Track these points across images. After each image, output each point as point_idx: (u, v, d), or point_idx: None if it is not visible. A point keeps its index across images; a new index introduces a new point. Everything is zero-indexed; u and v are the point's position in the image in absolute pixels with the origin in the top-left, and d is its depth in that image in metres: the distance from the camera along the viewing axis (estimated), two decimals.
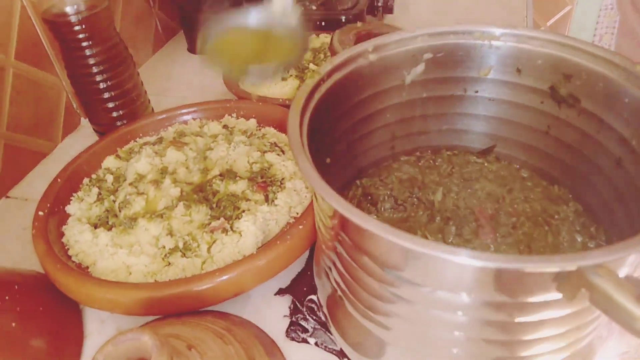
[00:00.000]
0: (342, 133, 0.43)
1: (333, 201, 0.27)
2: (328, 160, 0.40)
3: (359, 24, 0.48)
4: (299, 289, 0.47)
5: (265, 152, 0.55)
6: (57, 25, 0.60)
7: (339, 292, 0.37)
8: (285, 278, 0.49)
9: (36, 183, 0.68)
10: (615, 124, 0.38)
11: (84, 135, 0.75)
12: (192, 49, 0.95)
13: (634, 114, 0.37)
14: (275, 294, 0.48)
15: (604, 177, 0.41)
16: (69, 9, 0.59)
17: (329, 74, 0.38)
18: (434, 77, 0.44)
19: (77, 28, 0.60)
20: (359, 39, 0.44)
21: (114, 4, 0.83)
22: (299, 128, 0.33)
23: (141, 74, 0.70)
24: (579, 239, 0.42)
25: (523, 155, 0.47)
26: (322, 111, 0.38)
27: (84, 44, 0.62)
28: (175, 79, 0.88)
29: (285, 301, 0.47)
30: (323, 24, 0.83)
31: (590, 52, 0.38)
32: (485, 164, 0.48)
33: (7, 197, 0.66)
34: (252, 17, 0.47)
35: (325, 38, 0.77)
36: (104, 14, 0.62)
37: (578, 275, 0.24)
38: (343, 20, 0.82)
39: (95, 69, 0.64)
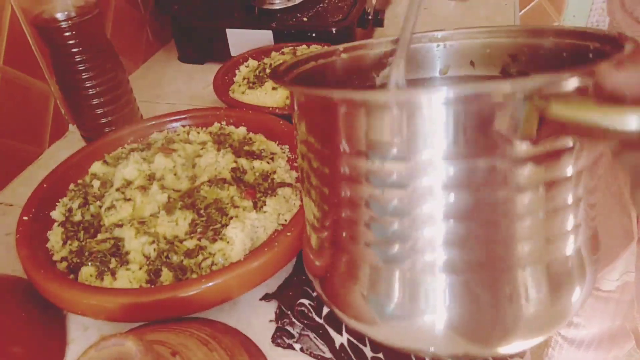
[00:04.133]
0: None
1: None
2: None
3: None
4: (286, 294, 0.47)
5: (253, 159, 0.56)
6: (47, 30, 0.60)
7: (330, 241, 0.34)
8: (272, 284, 0.48)
9: (21, 189, 0.67)
10: None
11: (72, 142, 0.74)
12: (183, 58, 0.96)
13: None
14: (260, 299, 0.48)
15: None
16: (59, 15, 0.60)
17: (306, 60, 0.39)
18: None
19: (67, 34, 0.60)
20: None
21: (105, 11, 0.84)
22: None
23: (131, 82, 0.71)
24: None
25: None
26: None
27: (74, 49, 0.62)
28: (165, 87, 0.88)
29: (272, 307, 0.47)
30: (314, 35, 0.83)
31: (522, 30, 0.40)
32: None
33: None
34: None
35: (315, 49, 0.78)
36: (95, 21, 0.63)
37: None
38: (334, 32, 0.83)
39: (84, 75, 0.64)
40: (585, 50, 0.35)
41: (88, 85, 0.64)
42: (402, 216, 0.27)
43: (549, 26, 0.39)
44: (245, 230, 0.47)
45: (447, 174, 0.26)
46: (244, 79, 0.75)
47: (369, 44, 0.43)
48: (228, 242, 0.46)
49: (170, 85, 0.89)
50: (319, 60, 0.40)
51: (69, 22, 0.60)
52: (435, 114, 0.25)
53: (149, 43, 0.98)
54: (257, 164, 0.55)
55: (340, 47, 0.41)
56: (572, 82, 0.25)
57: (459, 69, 0.44)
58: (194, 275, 0.45)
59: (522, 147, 0.25)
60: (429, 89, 0.23)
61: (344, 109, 0.27)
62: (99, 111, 0.67)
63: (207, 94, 0.81)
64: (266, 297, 0.47)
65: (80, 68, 0.63)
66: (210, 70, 0.86)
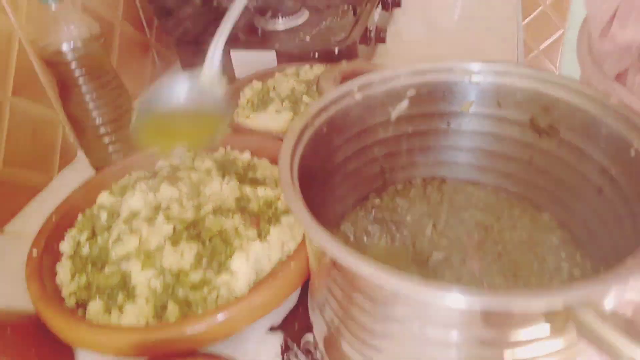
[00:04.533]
0: (333, 168, 0.44)
1: (324, 242, 0.28)
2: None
3: (343, 63, 0.49)
4: (291, 326, 0.47)
5: (257, 186, 0.56)
6: (53, 63, 0.62)
7: (333, 329, 0.37)
8: (277, 315, 0.49)
9: (31, 218, 0.68)
10: (594, 154, 0.39)
11: (80, 169, 0.76)
12: None
13: (610, 144, 0.37)
14: (267, 330, 0.48)
15: (587, 205, 0.41)
16: (65, 48, 0.61)
17: (318, 112, 0.39)
18: (418, 113, 0.45)
19: (73, 66, 0.62)
20: (345, 79, 0.45)
21: (110, 35, 0.85)
22: (289, 168, 0.33)
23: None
24: (565, 266, 0.42)
25: (509, 184, 0.48)
26: (312, 150, 0.39)
27: (80, 80, 0.63)
28: None
29: (277, 339, 0.47)
30: (317, 55, 0.84)
31: (565, 84, 0.40)
32: (474, 192, 0.49)
33: (2, 232, 0.66)
34: (180, 88, 0.51)
35: (318, 70, 0.79)
36: (100, 50, 0.64)
37: (565, 310, 0.25)
38: (336, 52, 0.83)
39: (91, 105, 0.65)
40: (627, 144, 0.35)
41: (94, 114, 0.66)
42: None
43: (598, 90, 0.38)
44: (249, 262, 0.47)
45: None
46: (247, 101, 0.76)
47: (382, 78, 0.43)
48: (232, 275, 0.47)
49: None
50: (332, 108, 0.40)
51: (75, 53, 0.61)
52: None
53: (154, 66, 0.99)
54: (261, 191, 0.55)
55: (355, 86, 0.41)
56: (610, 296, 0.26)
57: (483, 107, 0.44)
58: (200, 310, 0.45)
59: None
60: (452, 291, 0.25)
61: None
62: (106, 140, 0.68)
63: None
64: (272, 329, 0.48)
65: (87, 98, 0.64)
66: None
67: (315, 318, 0.41)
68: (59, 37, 0.60)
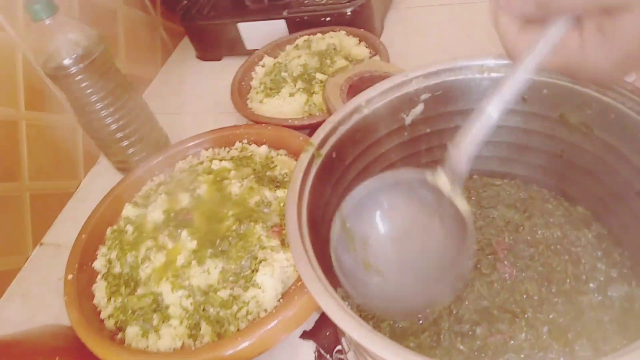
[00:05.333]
0: (349, 183, 0.42)
1: (334, 317, 0.27)
2: None
3: (349, 66, 0.45)
4: (323, 333, 0.47)
5: (277, 187, 0.55)
6: (58, 79, 0.60)
7: (356, 356, 0.37)
8: (309, 320, 0.49)
9: (66, 226, 0.70)
10: (632, 156, 0.36)
11: (106, 167, 0.76)
12: (201, 56, 0.94)
13: None
14: (300, 337, 0.49)
15: (625, 205, 0.38)
16: (67, 62, 0.59)
17: (324, 140, 0.37)
18: (436, 114, 0.42)
19: (78, 78, 0.60)
20: (352, 87, 0.42)
21: (114, 20, 0.82)
22: (297, 225, 0.32)
23: (154, 90, 0.70)
24: (602, 267, 0.40)
25: (540, 175, 0.45)
26: (323, 177, 0.37)
27: (88, 91, 0.62)
28: (186, 92, 0.88)
29: (311, 347, 0.48)
30: (328, 19, 0.79)
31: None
32: (504, 187, 0.46)
33: (41, 244, 0.69)
34: (397, 197, 0.35)
35: (330, 39, 0.74)
36: (103, 58, 0.62)
37: None
38: (349, 13, 0.78)
39: (104, 113, 0.64)
40: None
41: (109, 121, 0.65)
42: None
43: (636, 89, 0.34)
44: (275, 275, 0.47)
45: None
46: (260, 84, 0.73)
47: (392, 86, 0.40)
48: (260, 288, 0.47)
49: (192, 90, 0.88)
50: (340, 129, 0.38)
51: (78, 65, 0.60)
52: None
53: (164, 42, 0.97)
54: (280, 193, 0.54)
55: (362, 101, 0.38)
56: None
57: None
58: (232, 327, 0.46)
59: None
60: None
61: None
62: (125, 143, 0.67)
63: (229, 98, 0.80)
64: (304, 336, 0.48)
65: (99, 107, 0.63)
66: (229, 67, 0.84)
67: (341, 337, 0.41)
68: (58, 50, 0.59)
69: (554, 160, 0.42)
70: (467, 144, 0.32)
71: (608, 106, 0.35)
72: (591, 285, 0.39)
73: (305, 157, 0.36)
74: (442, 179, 0.33)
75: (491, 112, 0.31)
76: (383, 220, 0.36)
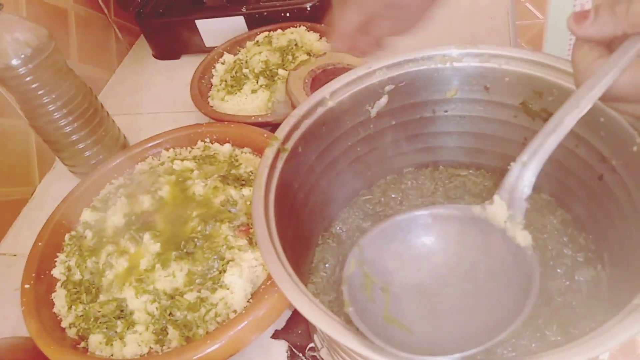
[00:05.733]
0: (316, 177, 0.41)
1: (307, 314, 0.26)
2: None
3: (311, 59, 0.45)
4: (295, 331, 0.47)
5: (242, 185, 0.54)
6: (6, 80, 0.57)
7: (330, 353, 0.36)
8: (280, 318, 0.48)
9: (22, 234, 0.67)
10: (593, 142, 0.36)
11: (61, 172, 0.73)
12: (157, 55, 0.91)
13: (610, 133, 0.35)
14: (271, 337, 0.48)
15: (587, 188, 0.39)
16: (14, 62, 0.56)
17: (289, 134, 0.36)
18: (400, 105, 0.42)
19: (28, 79, 0.57)
20: (315, 80, 0.42)
21: (66, 21, 0.79)
22: (265, 222, 0.31)
23: (109, 90, 0.68)
24: (568, 252, 0.41)
25: (504, 164, 0.45)
26: (289, 172, 0.36)
27: (40, 92, 0.59)
28: (144, 92, 0.85)
29: (283, 345, 0.47)
30: (287, 14, 0.78)
31: (558, 68, 0.36)
32: (469, 177, 0.47)
33: None
34: (435, 230, 0.32)
35: (291, 34, 0.73)
36: (54, 57, 0.59)
37: None
38: (308, 9, 0.77)
39: (56, 115, 0.61)
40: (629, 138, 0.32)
41: (63, 123, 0.62)
42: None
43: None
44: (243, 276, 0.46)
45: None
46: (221, 81, 0.71)
47: (356, 78, 0.39)
48: (228, 289, 0.46)
49: (150, 89, 0.85)
50: (305, 123, 0.37)
51: (28, 65, 0.57)
52: None
53: (119, 42, 0.94)
54: (246, 191, 0.53)
55: (327, 93, 0.38)
56: None
57: (470, 92, 0.41)
58: (200, 330, 0.45)
59: None
60: None
61: None
62: (81, 146, 0.65)
63: (189, 96, 0.78)
64: (276, 335, 0.47)
65: (51, 109, 0.61)
66: (188, 65, 0.82)
67: (313, 334, 0.40)
68: (5, 49, 0.56)
69: (517, 148, 0.42)
70: (538, 161, 0.29)
71: (568, 92, 0.35)
72: (559, 270, 0.39)
73: (270, 152, 0.35)
74: (497, 209, 0.30)
75: (567, 124, 0.29)
76: (411, 265, 0.32)
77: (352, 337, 0.25)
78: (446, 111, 0.42)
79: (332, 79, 0.39)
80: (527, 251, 0.29)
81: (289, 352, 0.46)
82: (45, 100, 0.60)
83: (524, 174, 0.30)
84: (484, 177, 0.46)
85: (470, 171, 0.46)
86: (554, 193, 0.43)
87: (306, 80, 0.41)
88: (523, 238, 0.30)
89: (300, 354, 0.45)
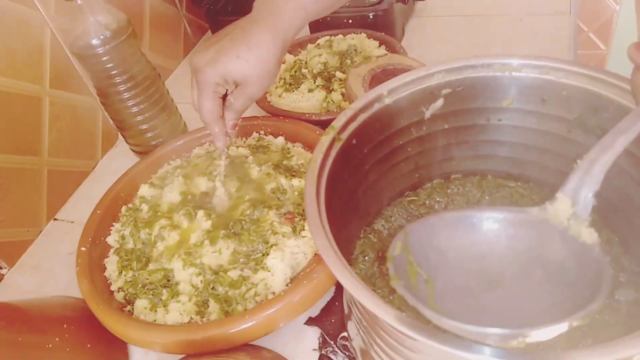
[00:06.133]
0: (366, 171, 0.43)
1: (349, 286, 0.28)
2: None
3: (373, 58, 0.47)
4: (328, 320, 0.48)
5: (292, 176, 0.56)
6: (84, 57, 0.62)
7: (363, 336, 0.37)
8: (314, 306, 0.50)
9: (81, 204, 0.71)
10: None
11: (123, 150, 0.77)
12: None
13: None
14: (305, 323, 0.49)
15: (635, 209, 0.39)
16: (94, 42, 0.60)
17: (345, 125, 0.38)
18: (455, 110, 0.43)
19: (104, 59, 0.62)
20: (374, 78, 0.43)
21: (140, 12, 0.84)
22: (316, 203, 0.33)
23: (173, 81, 0.71)
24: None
25: (554, 178, 0.46)
26: (342, 163, 0.38)
27: (113, 72, 0.63)
28: None
29: (315, 332, 0.48)
30: (350, 21, 0.81)
31: (616, 84, 0.36)
32: (517, 189, 0.47)
33: (55, 219, 0.70)
34: (492, 227, 0.31)
35: (352, 40, 0.76)
36: (129, 41, 0.64)
37: None
38: (371, 17, 0.79)
39: (126, 95, 0.65)
40: None
41: (130, 104, 0.66)
42: None
43: None
44: (285, 260, 0.48)
45: None
46: (280, 79, 0.74)
47: (415, 78, 0.40)
48: (270, 271, 0.48)
49: None
50: (361, 117, 0.38)
51: (105, 46, 0.61)
52: None
53: (187, 37, 0.98)
54: (295, 182, 0.55)
55: (385, 90, 0.39)
56: None
57: (526, 103, 0.41)
58: (239, 306, 0.47)
59: None
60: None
61: None
62: (144, 127, 0.69)
63: None
64: (310, 322, 0.49)
65: (121, 88, 0.65)
66: None
67: (348, 322, 0.41)
68: (87, 30, 0.60)
69: (568, 163, 0.43)
70: (608, 157, 0.29)
71: (625, 109, 0.36)
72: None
73: (326, 140, 0.37)
74: (560, 205, 0.30)
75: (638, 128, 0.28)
76: (457, 265, 0.32)
77: (390, 311, 0.26)
78: (500, 120, 0.43)
79: (390, 79, 0.41)
80: (594, 249, 0.29)
81: (320, 339, 0.47)
82: (117, 80, 0.64)
83: (593, 169, 0.30)
84: (531, 190, 0.46)
85: (519, 183, 0.47)
86: (601, 211, 0.43)
87: (365, 78, 0.43)
88: (589, 235, 0.29)
89: (332, 342, 0.46)
